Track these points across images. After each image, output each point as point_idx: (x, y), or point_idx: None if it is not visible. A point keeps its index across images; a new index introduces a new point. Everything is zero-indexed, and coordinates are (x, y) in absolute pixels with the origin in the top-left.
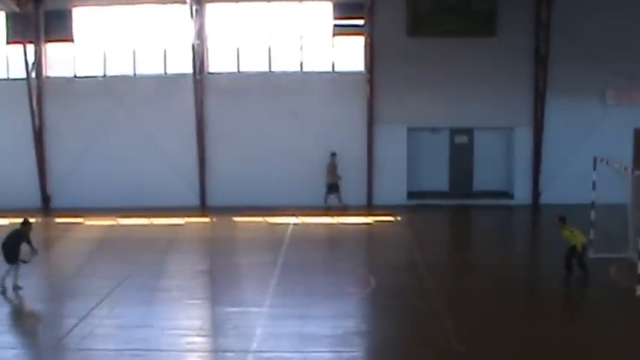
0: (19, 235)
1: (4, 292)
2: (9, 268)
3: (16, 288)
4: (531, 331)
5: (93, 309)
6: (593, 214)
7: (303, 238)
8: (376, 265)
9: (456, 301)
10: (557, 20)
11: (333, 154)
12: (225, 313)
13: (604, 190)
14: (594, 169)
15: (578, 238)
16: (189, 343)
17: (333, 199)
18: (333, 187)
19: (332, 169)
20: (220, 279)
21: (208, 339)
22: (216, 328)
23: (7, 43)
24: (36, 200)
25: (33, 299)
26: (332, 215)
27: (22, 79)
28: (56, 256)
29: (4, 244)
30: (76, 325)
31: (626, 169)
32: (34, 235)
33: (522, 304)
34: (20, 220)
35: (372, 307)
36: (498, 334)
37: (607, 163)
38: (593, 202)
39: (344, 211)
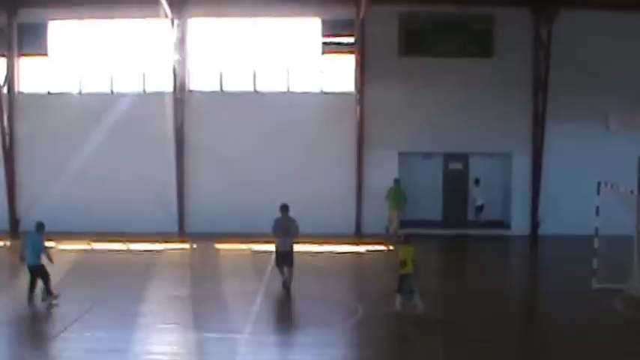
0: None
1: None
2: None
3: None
4: None
5: (61, 332)
6: (596, 242)
7: None
8: (365, 294)
9: (448, 331)
10: (558, 41)
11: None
12: (202, 339)
13: (608, 222)
14: (598, 193)
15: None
16: None
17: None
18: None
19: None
20: (198, 305)
21: None
22: (192, 355)
23: None
24: (3, 223)
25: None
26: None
27: None
28: (25, 281)
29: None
30: None
31: (632, 192)
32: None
33: (520, 335)
34: None
35: (359, 336)
36: None
37: (612, 187)
38: (596, 229)
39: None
